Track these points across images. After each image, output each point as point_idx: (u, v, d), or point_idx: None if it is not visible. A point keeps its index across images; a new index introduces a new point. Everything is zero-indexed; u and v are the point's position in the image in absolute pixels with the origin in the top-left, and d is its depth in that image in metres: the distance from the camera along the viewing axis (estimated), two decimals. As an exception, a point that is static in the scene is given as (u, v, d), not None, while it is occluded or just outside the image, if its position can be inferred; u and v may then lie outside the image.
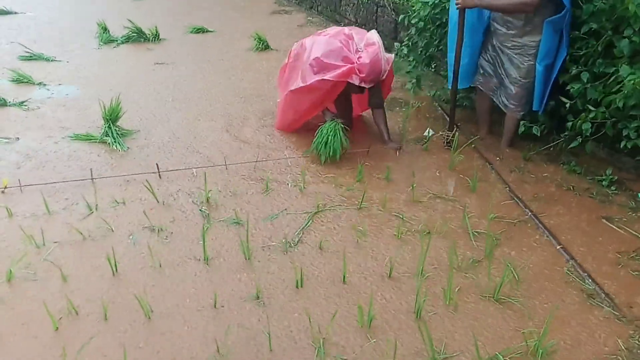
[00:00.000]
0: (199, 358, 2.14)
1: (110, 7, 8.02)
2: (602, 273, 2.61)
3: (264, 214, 3.04)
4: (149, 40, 6.41)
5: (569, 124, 3.28)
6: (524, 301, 2.43)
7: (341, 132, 3.55)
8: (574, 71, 3.25)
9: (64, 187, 3.29)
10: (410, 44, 4.48)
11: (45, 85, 4.94)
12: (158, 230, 2.89)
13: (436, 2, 4.04)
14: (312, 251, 2.76)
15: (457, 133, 3.74)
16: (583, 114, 3.17)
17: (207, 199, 3.15)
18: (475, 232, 2.89)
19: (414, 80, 4.49)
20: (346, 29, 3.73)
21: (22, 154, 3.69)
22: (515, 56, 3.44)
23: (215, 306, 2.38)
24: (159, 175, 3.42)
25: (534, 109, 3.51)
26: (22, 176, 3.36)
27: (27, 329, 2.27)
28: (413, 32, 4.40)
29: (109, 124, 3.89)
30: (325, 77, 3.47)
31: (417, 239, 2.84)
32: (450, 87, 3.86)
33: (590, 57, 3.20)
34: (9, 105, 4.43)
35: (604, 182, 3.31)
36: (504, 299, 2.44)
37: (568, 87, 3.26)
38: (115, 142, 3.79)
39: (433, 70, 4.81)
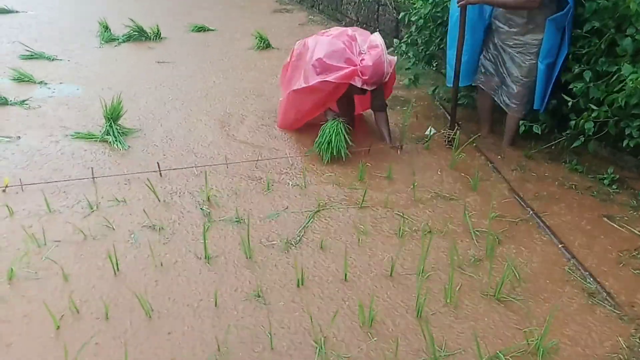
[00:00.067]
0: (199, 357, 2.15)
1: (112, 5, 8.01)
2: (603, 272, 2.60)
3: (265, 213, 3.04)
4: (150, 39, 6.41)
5: (572, 122, 3.27)
6: (524, 300, 2.43)
7: (343, 131, 3.55)
8: (576, 70, 3.24)
9: (65, 186, 3.29)
10: (409, 41, 4.48)
11: (46, 84, 4.95)
12: (159, 229, 2.89)
13: (437, 0, 4.03)
14: (313, 250, 2.76)
15: (458, 132, 3.73)
16: (585, 113, 3.17)
17: (208, 198, 3.15)
18: (476, 231, 2.89)
19: (412, 77, 4.49)
20: (349, 30, 3.72)
21: (23, 152, 3.69)
22: (516, 55, 3.43)
23: (216, 305, 2.39)
24: (160, 174, 3.42)
25: (535, 107, 3.50)
26: (23, 175, 3.36)
27: (29, 328, 2.27)
28: (413, 29, 4.40)
29: (110, 123, 3.89)
30: (327, 79, 3.47)
31: (418, 238, 2.84)
32: (449, 85, 3.87)
33: (593, 55, 3.19)
34: (10, 104, 4.44)
35: (605, 181, 3.30)
36: (504, 298, 2.43)
37: (571, 86, 3.25)
38: (116, 140, 3.79)
39: (434, 68, 4.81)
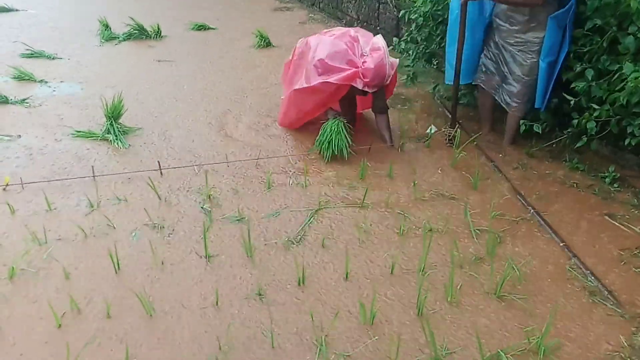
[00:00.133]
0: (200, 355, 2.15)
1: (112, 4, 8.00)
2: (605, 270, 2.60)
3: (266, 212, 3.04)
4: (150, 37, 6.40)
5: (575, 121, 3.26)
6: (526, 298, 2.43)
7: (344, 130, 3.55)
8: (578, 68, 3.23)
9: (65, 184, 3.29)
10: (408, 39, 4.47)
11: (46, 82, 4.94)
12: (160, 228, 2.89)
13: (438, -2, 4.03)
14: (315, 248, 2.76)
15: (459, 130, 3.73)
16: (587, 113, 3.15)
17: (209, 197, 3.15)
18: (477, 229, 2.88)
19: (410, 74, 4.49)
20: (352, 31, 3.71)
21: (24, 151, 3.69)
22: (518, 53, 3.43)
23: (217, 304, 2.39)
24: (161, 172, 3.42)
25: (536, 106, 3.49)
26: (23, 174, 3.36)
27: (30, 326, 2.27)
28: (413, 27, 4.39)
29: (111, 122, 3.89)
30: (329, 80, 3.47)
31: (419, 237, 2.84)
32: (448, 83, 3.86)
33: (595, 53, 3.18)
34: (11, 103, 4.43)
35: (606, 180, 3.30)
36: (505, 297, 2.43)
37: (573, 85, 3.23)
38: (116, 139, 3.79)
39: (434, 66, 4.80)
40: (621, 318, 2.33)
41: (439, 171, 3.48)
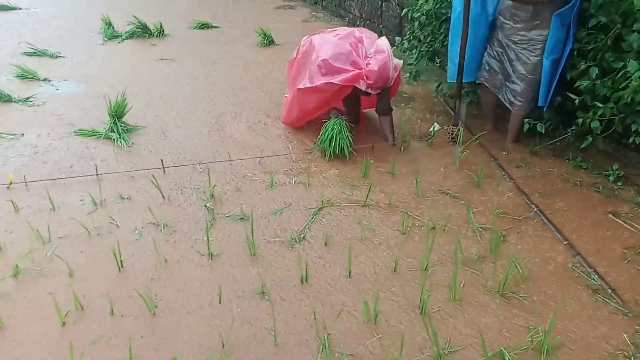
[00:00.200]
0: (203, 353, 2.15)
1: (115, 2, 8.01)
2: (608, 268, 2.59)
3: (269, 210, 3.04)
4: (153, 35, 6.41)
5: (579, 120, 3.25)
6: (529, 297, 2.42)
7: (346, 129, 3.55)
8: (582, 66, 3.21)
9: (69, 183, 3.30)
10: (411, 37, 4.47)
11: (49, 81, 4.96)
12: (163, 226, 2.90)
13: (440, -4, 4.02)
14: (317, 246, 2.76)
15: (462, 128, 3.72)
16: (591, 112, 3.14)
17: (212, 195, 3.16)
18: (480, 227, 2.88)
19: (413, 72, 4.48)
20: (356, 32, 3.70)
21: (27, 150, 3.70)
22: (521, 51, 3.41)
23: (220, 302, 2.39)
24: (164, 171, 3.42)
25: (539, 104, 3.48)
26: (27, 172, 3.37)
27: (34, 324, 2.28)
28: (416, 26, 4.38)
29: (115, 120, 3.90)
30: (332, 81, 3.46)
31: (422, 235, 2.84)
32: (450, 81, 3.85)
33: (599, 51, 3.16)
34: (14, 102, 4.45)
35: (610, 178, 3.29)
36: (509, 295, 2.43)
37: (577, 84, 3.21)
38: (120, 137, 3.79)
39: (438, 64, 4.79)
40: (624, 316, 2.32)
41: (442, 169, 3.47)
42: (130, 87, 4.68)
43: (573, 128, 3.41)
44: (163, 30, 6.47)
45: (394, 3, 5.86)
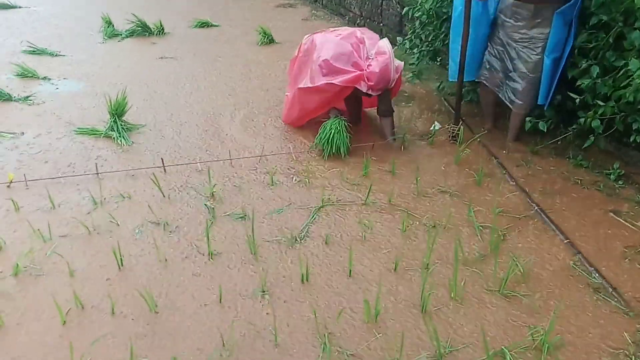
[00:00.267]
0: (204, 352, 2.15)
1: (115, 1, 8.00)
2: (609, 267, 2.59)
3: (269, 208, 3.04)
4: (153, 34, 6.40)
5: (581, 120, 3.24)
6: (529, 295, 2.42)
7: (345, 130, 3.54)
8: (583, 65, 3.20)
9: (69, 181, 3.30)
10: (412, 37, 4.46)
11: (49, 79, 4.95)
12: (164, 225, 2.89)
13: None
14: (318, 245, 2.76)
15: (462, 127, 3.72)
16: (591, 112, 3.13)
17: (212, 194, 3.15)
18: (481, 226, 2.88)
19: (416, 71, 4.48)
20: (358, 32, 3.69)
21: (27, 148, 3.69)
22: (522, 50, 3.40)
23: (220, 301, 2.39)
24: (164, 169, 3.42)
25: (538, 103, 3.48)
26: (27, 171, 3.37)
27: (35, 323, 2.28)
28: (417, 25, 4.38)
29: (115, 119, 3.89)
30: (333, 82, 3.46)
31: (423, 233, 2.84)
32: (451, 80, 3.84)
33: (600, 50, 3.15)
34: (14, 100, 4.44)
35: (611, 176, 3.28)
36: (509, 293, 2.43)
37: (578, 83, 3.21)
38: (120, 136, 3.79)
39: (438, 63, 4.79)
40: (625, 315, 2.32)
41: (443, 168, 3.47)
42: (130, 86, 4.67)
43: (574, 127, 3.40)
44: (163, 28, 6.47)
45: (394, 1, 5.85)
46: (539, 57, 3.34)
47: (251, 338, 2.21)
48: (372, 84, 3.42)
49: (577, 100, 3.21)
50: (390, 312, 2.34)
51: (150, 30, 6.42)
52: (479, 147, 3.69)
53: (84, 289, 2.44)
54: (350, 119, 3.77)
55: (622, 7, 2.99)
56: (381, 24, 6.22)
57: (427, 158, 3.59)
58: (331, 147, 3.51)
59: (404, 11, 4.63)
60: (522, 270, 2.55)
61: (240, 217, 2.95)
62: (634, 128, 3.06)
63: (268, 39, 6.07)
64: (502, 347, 2.15)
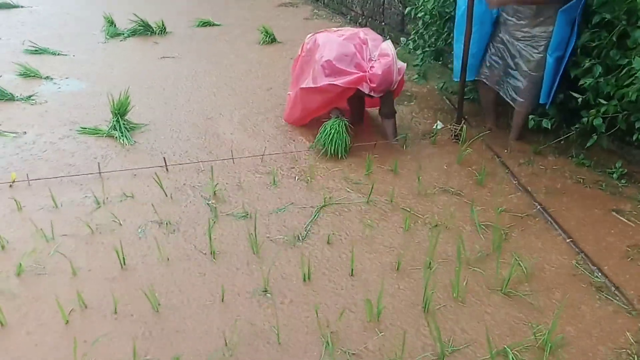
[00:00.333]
0: (206, 351, 2.15)
1: (116, 0, 8.01)
2: (612, 266, 2.59)
3: (272, 208, 3.04)
4: (155, 33, 6.41)
5: (584, 119, 3.23)
6: (532, 294, 2.42)
7: (345, 130, 3.54)
8: (586, 64, 3.19)
9: (72, 181, 3.31)
10: (416, 37, 4.46)
11: (52, 79, 4.96)
12: (166, 224, 2.90)
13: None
14: (320, 244, 2.76)
15: (464, 126, 3.71)
16: (594, 110, 3.12)
17: (215, 193, 3.16)
18: (483, 225, 2.88)
19: (421, 72, 4.47)
20: (361, 33, 3.68)
21: (30, 148, 3.70)
22: (524, 48, 3.40)
23: (222, 300, 2.39)
24: (167, 169, 3.42)
25: (540, 101, 3.47)
26: (29, 170, 3.38)
27: (38, 322, 2.28)
28: (420, 25, 4.37)
29: (118, 118, 3.90)
30: (335, 82, 3.46)
31: (425, 232, 2.83)
32: (456, 79, 3.84)
33: (603, 48, 3.14)
34: (17, 100, 4.45)
35: (613, 175, 3.28)
36: (512, 293, 2.42)
37: (581, 82, 3.20)
38: (122, 135, 3.80)
39: (441, 62, 4.78)
40: (628, 314, 2.31)
41: (445, 167, 3.47)
42: (132, 85, 4.68)
43: (576, 126, 3.40)
44: (165, 28, 6.48)
45: (396, 0, 5.85)
46: (541, 55, 3.33)
47: (253, 337, 2.21)
48: (374, 85, 3.42)
49: (580, 99, 3.20)
50: (392, 311, 2.34)
51: (152, 30, 6.43)
52: (482, 146, 3.69)
53: (87, 289, 2.45)
54: (353, 119, 3.77)
55: (625, 5, 2.98)
56: (383, 23, 6.22)
57: (429, 157, 3.59)
58: (331, 147, 3.51)
59: (406, 11, 4.63)
60: (524, 269, 2.55)
61: (243, 217, 2.96)
62: (636, 127, 3.05)
63: (270, 39, 6.07)
64: (505, 346, 2.15)
